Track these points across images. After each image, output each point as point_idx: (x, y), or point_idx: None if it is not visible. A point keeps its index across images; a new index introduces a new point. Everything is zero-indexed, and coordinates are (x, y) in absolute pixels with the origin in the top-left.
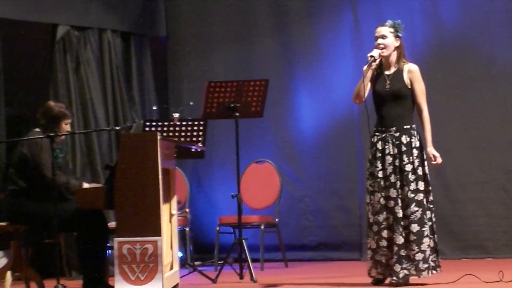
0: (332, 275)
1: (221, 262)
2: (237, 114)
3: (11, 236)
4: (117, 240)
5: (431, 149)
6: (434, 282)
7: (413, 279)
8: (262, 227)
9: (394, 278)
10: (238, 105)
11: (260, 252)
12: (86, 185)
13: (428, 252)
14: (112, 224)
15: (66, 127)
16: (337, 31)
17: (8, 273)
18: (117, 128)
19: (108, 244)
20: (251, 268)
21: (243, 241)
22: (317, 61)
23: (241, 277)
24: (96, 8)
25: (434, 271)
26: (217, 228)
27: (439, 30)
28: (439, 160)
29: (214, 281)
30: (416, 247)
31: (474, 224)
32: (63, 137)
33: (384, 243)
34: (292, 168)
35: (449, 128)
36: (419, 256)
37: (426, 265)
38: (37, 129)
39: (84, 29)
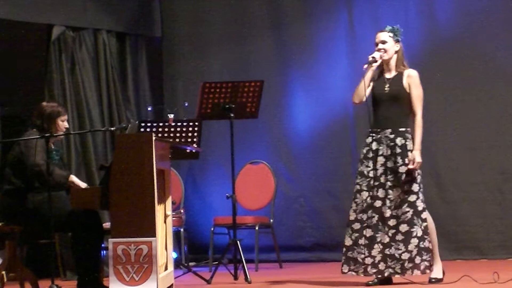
0: (327, 276)
1: (216, 262)
2: (232, 115)
3: (6, 236)
4: (111, 240)
5: (415, 153)
6: (431, 283)
7: (398, 277)
8: (257, 228)
9: (370, 281)
10: (233, 106)
11: (254, 253)
12: (73, 178)
13: (414, 253)
14: (107, 225)
15: (63, 124)
16: (333, 31)
17: (3, 273)
18: (112, 128)
19: (103, 245)
20: (246, 269)
21: (238, 241)
22: (313, 61)
23: (236, 277)
24: (91, 9)
25: (417, 271)
26: (212, 229)
27: (435, 31)
28: (417, 165)
29: (208, 281)
30: (403, 246)
31: (469, 224)
32: (60, 136)
33: (363, 241)
34: (287, 168)
35: (445, 128)
36: (405, 256)
37: (411, 265)
38: (34, 129)
39: (80, 29)
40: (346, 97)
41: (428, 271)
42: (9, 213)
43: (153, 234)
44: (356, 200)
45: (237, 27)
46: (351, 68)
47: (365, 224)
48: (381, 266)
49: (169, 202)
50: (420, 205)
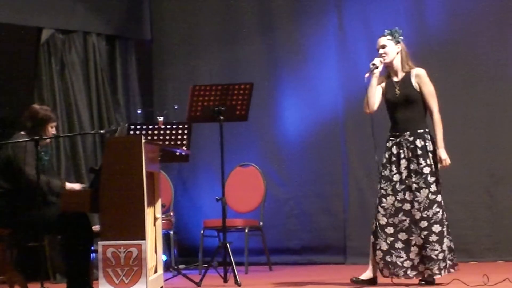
0: (316, 279)
1: (206, 265)
2: (221, 117)
3: None
4: (101, 243)
5: (440, 151)
6: (421, 285)
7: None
8: (247, 231)
9: (354, 278)
10: (222, 108)
11: (244, 256)
12: (68, 185)
13: (447, 252)
14: (96, 228)
15: (51, 130)
16: (322, 34)
17: None
18: (102, 131)
19: (92, 247)
20: (236, 272)
21: (228, 244)
22: (302, 64)
23: (226, 280)
24: (81, 12)
25: (452, 270)
26: (202, 232)
27: (424, 33)
28: (447, 162)
29: (198, 284)
30: (439, 246)
31: (459, 227)
32: (48, 140)
33: (400, 244)
34: (276, 171)
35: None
36: (441, 256)
37: (444, 264)
38: (22, 132)
39: (69, 32)
40: (336, 100)
41: (455, 268)
42: None
43: (142, 237)
44: (383, 204)
45: (227, 30)
46: (341, 71)
47: (398, 228)
48: (421, 268)
49: (158, 204)
50: (443, 205)
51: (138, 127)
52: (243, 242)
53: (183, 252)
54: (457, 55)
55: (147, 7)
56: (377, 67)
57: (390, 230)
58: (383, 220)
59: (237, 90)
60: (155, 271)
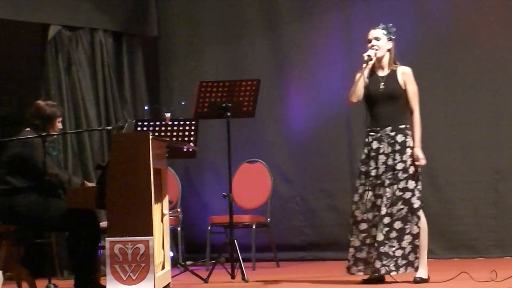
0: (323, 275)
1: (213, 261)
2: (228, 114)
3: (2, 236)
4: (108, 239)
5: (417, 150)
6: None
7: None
8: (254, 227)
9: (376, 274)
10: (229, 105)
11: (251, 252)
12: (87, 184)
13: (408, 249)
14: (103, 224)
15: (58, 124)
16: (328, 31)
17: (0, 273)
18: (109, 128)
19: (99, 244)
20: (243, 268)
21: (235, 241)
22: (308, 61)
23: (233, 276)
24: (87, 8)
25: (411, 268)
26: (209, 228)
27: (429, 30)
28: (422, 162)
29: (205, 280)
30: (397, 243)
31: (464, 223)
32: (55, 136)
33: (370, 240)
34: (283, 168)
35: (440, 127)
36: (398, 253)
37: (404, 261)
38: (27, 129)
39: (76, 29)
40: (342, 97)
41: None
42: (5, 212)
43: (150, 233)
44: (361, 200)
45: (233, 27)
46: (346, 68)
47: (371, 224)
48: (377, 264)
49: (166, 201)
50: (416, 203)
51: (145, 123)
52: (250, 238)
53: (190, 248)
54: (464, 51)
55: (154, 3)
56: (371, 59)
57: (363, 226)
58: (359, 216)
59: (244, 87)
60: (163, 267)
